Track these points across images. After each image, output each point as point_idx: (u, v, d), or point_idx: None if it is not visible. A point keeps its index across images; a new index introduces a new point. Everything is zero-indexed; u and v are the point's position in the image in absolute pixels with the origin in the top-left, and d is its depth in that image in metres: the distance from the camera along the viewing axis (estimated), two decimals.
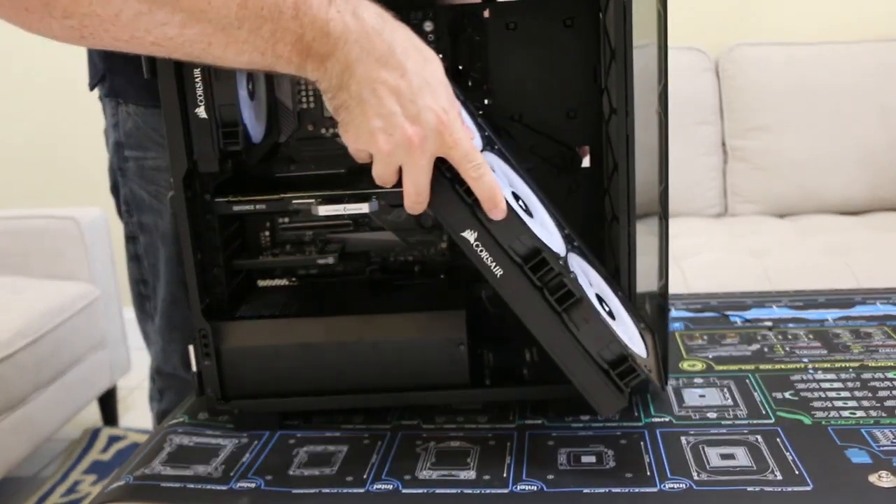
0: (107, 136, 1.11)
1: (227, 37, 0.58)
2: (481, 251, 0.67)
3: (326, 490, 0.74)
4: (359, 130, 0.65)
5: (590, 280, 0.76)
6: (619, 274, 0.80)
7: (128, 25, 0.55)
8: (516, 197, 0.72)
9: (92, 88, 1.11)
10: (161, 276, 1.09)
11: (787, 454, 0.74)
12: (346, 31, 0.61)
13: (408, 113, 0.63)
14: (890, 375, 0.89)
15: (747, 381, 0.89)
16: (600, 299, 0.74)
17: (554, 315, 0.68)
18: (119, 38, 0.56)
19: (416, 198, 0.67)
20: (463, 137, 0.65)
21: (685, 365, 0.94)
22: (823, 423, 0.79)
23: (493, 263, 0.67)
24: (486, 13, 0.85)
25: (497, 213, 0.67)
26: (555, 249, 0.70)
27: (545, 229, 0.74)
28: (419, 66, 0.64)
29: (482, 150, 0.71)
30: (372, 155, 0.66)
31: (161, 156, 1.03)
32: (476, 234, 0.67)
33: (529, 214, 0.72)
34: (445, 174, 0.67)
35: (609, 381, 0.69)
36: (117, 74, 1.06)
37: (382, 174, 0.67)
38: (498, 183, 0.66)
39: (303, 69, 0.62)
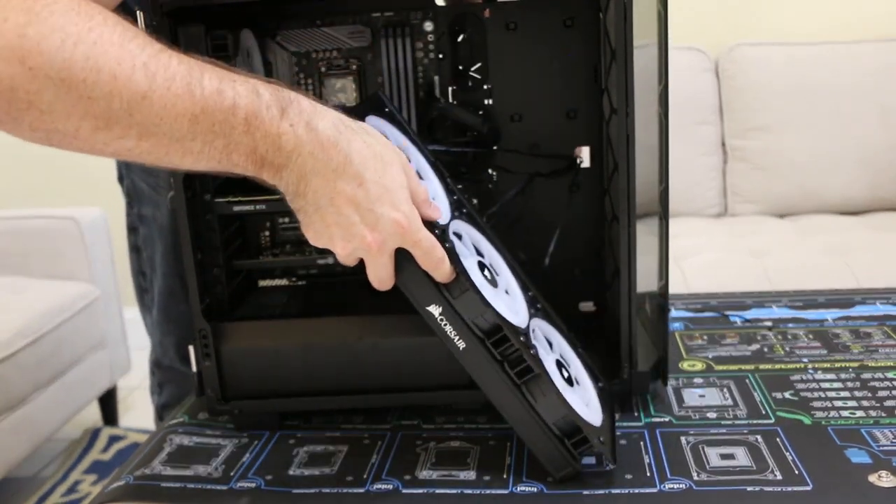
0: None
1: (183, 148, 0.60)
2: (445, 325, 0.70)
3: (326, 490, 0.74)
4: (318, 234, 0.67)
5: (552, 343, 0.77)
6: (619, 274, 0.80)
7: (88, 140, 0.58)
8: (482, 266, 0.74)
9: None
10: (158, 269, 1.10)
11: (787, 454, 0.74)
12: (299, 145, 0.62)
13: (366, 221, 0.64)
14: (890, 375, 0.89)
15: (747, 381, 0.89)
16: (561, 364, 0.75)
17: (513, 387, 0.70)
18: (83, 149, 0.60)
19: (379, 284, 0.70)
20: (423, 238, 0.67)
21: (685, 365, 0.94)
22: (823, 423, 0.79)
23: (457, 337, 0.70)
24: (486, 13, 0.85)
25: (444, 275, 0.69)
26: (517, 321, 0.72)
27: (510, 295, 0.76)
28: (377, 173, 0.64)
29: (450, 220, 0.72)
30: None
31: None
32: (441, 308, 0.70)
33: (494, 283, 0.74)
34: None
35: (563, 449, 0.71)
36: None
37: (345, 262, 0.69)
38: (452, 270, 0.69)
39: (260, 175, 0.64)
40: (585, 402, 0.74)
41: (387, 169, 0.65)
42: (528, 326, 0.73)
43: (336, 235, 0.66)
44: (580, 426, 0.70)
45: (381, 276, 0.69)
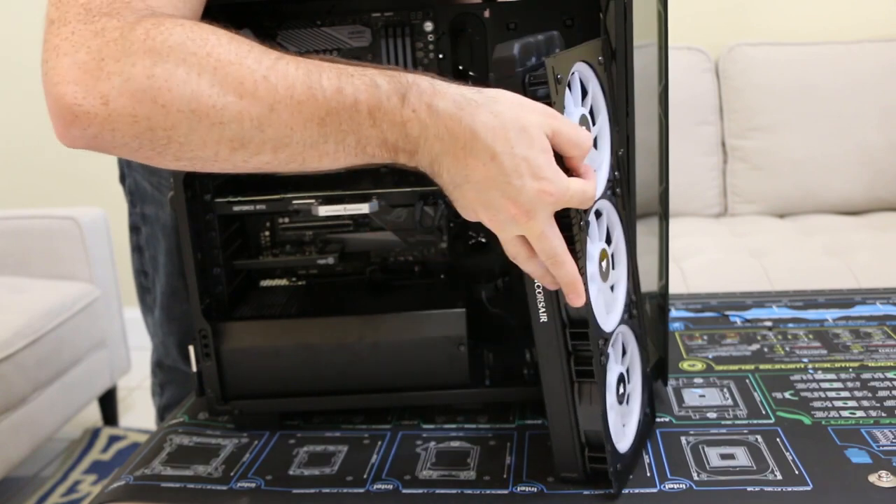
0: None
1: (318, 152, 0.62)
2: (539, 293, 0.68)
3: (326, 490, 0.74)
4: (465, 210, 0.65)
5: (626, 353, 0.76)
6: None
7: (228, 160, 0.61)
8: (603, 255, 0.72)
9: None
10: (160, 268, 1.10)
11: (787, 454, 0.74)
12: (423, 129, 0.62)
13: (507, 195, 0.62)
14: (890, 375, 0.89)
15: (747, 381, 0.89)
16: (622, 379, 0.74)
17: (567, 380, 0.70)
18: (226, 169, 0.63)
19: (550, 258, 0.65)
20: (574, 196, 0.63)
21: (685, 365, 0.94)
22: (823, 423, 0.79)
23: (544, 309, 0.68)
24: (487, 13, 0.85)
25: (576, 301, 0.66)
26: (606, 323, 0.71)
27: (613, 293, 0.74)
28: (509, 144, 0.61)
29: (600, 197, 0.70)
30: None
31: None
32: None
33: (605, 276, 0.72)
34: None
35: (580, 456, 0.71)
36: None
37: (504, 239, 0.66)
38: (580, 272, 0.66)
39: (398, 161, 0.64)
40: (624, 422, 0.74)
41: (521, 136, 0.62)
42: (613, 331, 0.72)
43: (481, 211, 0.64)
44: (606, 447, 0.70)
45: (544, 247, 0.64)
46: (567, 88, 0.67)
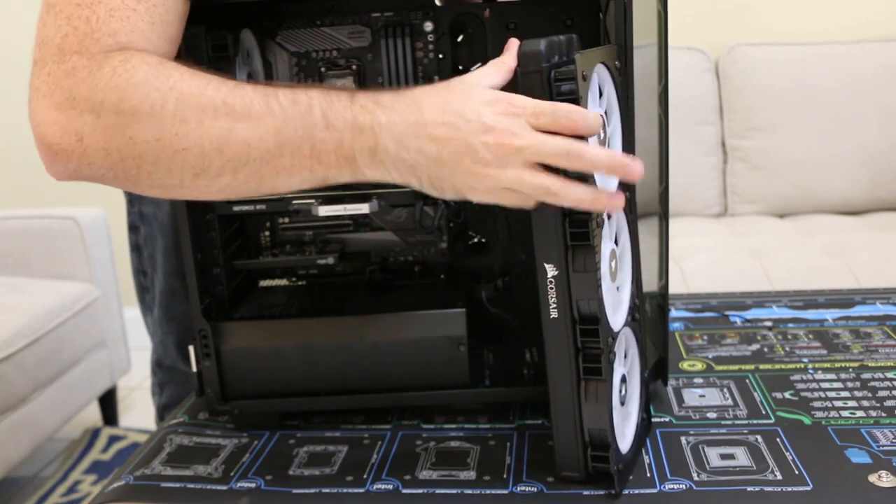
0: None
1: (274, 168, 0.64)
2: (551, 289, 0.68)
3: (326, 490, 0.74)
4: (450, 192, 0.65)
5: (627, 356, 0.76)
6: None
7: (191, 187, 0.65)
8: (612, 255, 0.72)
9: None
10: (159, 267, 1.10)
11: (787, 454, 0.74)
12: (374, 117, 0.64)
13: (474, 160, 0.63)
14: (890, 375, 0.89)
15: (747, 381, 0.89)
16: (623, 381, 0.74)
17: (574, 378, 0.70)
18: (192, 196, 0.67)
19: (547, 197, 0.64)
20: (557, 148, 0.62)
21: (685, 365, 0.94)
22: (823, 423, 0.79)
23: (555, 305, 0.69)
24: (486, 13, 0.85)
25: (635, 172, 0.65)
26: (613, 322, 0.71)
27: (619, 293, 0.75)
28: (460, 100, 0.63)
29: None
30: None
31: None
32: (557, 272, 0.68)
33: (613, 276, 0.73)
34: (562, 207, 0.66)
35: (582, 455, 0.71)
36: None
37: (517, 204, 0.65)
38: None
39: (359, 172, 0.65)
40: (624, 424, 0.74)
41: (466, 101, 0.63)
42: (618, 332, 0.72)
43: (465, 189, 0.64)
44: (609, 445, 0.70)
45: (537, 185, 0.63)
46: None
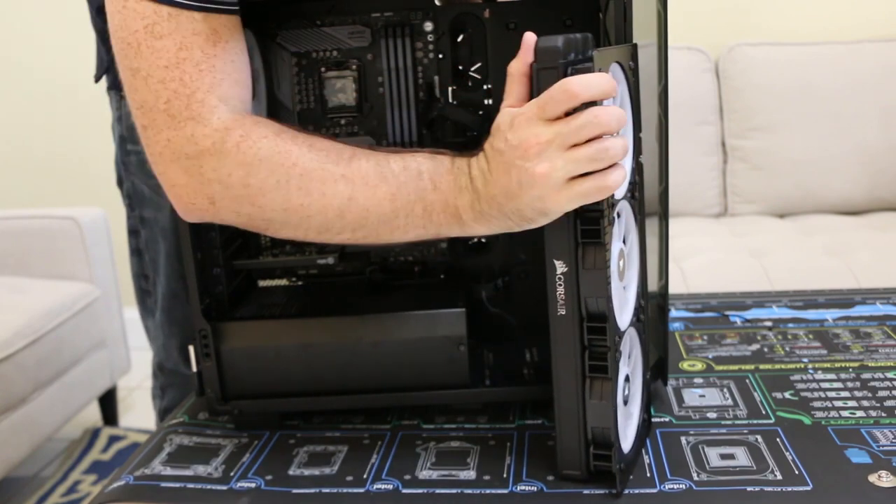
0: (113, 130, 1.12)
1: (390, 227, 0.71)
2: (560, 286, 0.69)
3: (326, 490, 0.74)
4: (536, 209, 0.66)
5: (630, 356, 0.76)
6: None
7: (317, 238, 0.72)
8: (621, 255, 0.73)
9: (97, 80, 1.11)
10: (161, 271, 1.10)
11: (787, 454, 0.74)
12: (468, 176, 0.69)
13: (523, 175, 0.66)
14: (890, 375, 0.89)
15: (747, 381, 0.89)
16: (627, 379, 0.75)
17: (579, 375, 0.70)
18: (314, 242, 0.80)
19: (603, 160, 0.65)
20: (583, 125, 0.64)
21: (685, 365, 0.94)
22: (823, 423, 0.79)
23: (563, 302, 0.69)
24: (486, 13, 0.85)
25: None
26: (621, 323, 0.71)
27: (625, 293, 0.75)
28: (492, 141, 0.68)
29: (621, 199, 0.71)
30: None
31: None
32: (566, 269, 0.68)
33: (621, 276, 0.73)
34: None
35: (584, 453, 0.72)
36: None
37: (579, 200, 0.66)
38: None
39: (466, 226, 0.70)
40: (626, 424, 0.74)
41: (499, 128, 0.67)
42: (624, 331, 0.72)
43: (538, 203, 0.66)
44: (612, 444, 0.70)
45: (585, 156, 0.64)
46: None
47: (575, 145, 0.64)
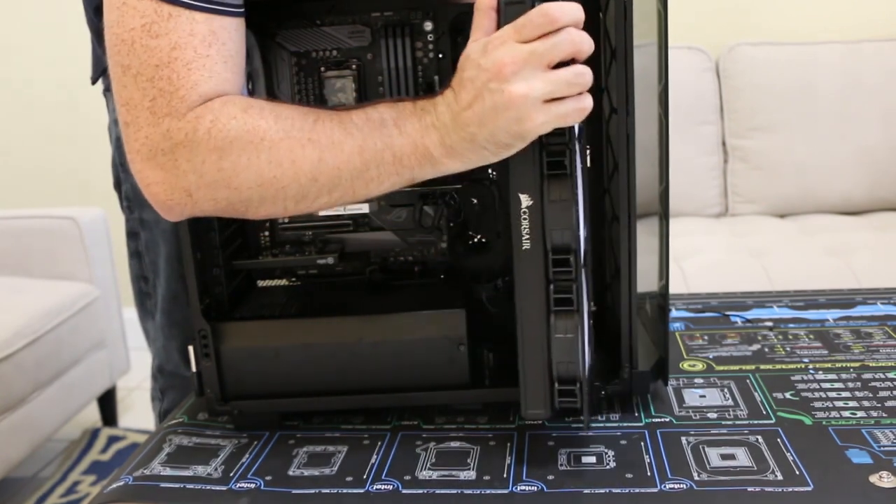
0: (110, 132, 1.11)
1: (363, 180, 0.71)
2: (525, 219, 0.69)
3: (326, 490, 0.74)
4: (513, 133, 0.67)
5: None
6: (619, 274, 0.80)
7: (295, 209, 0.72)
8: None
9: (94, 81, 1.11)
10: (161, 273, 1.09)
11: (788, 454, 0.74)
12: (433, 114, 0.69)
13: (494, 96, 0.66)
14: (891, 375, 0.88)
15: (748, 381, 0.89)
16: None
17: (544, 309, 0.71)
18: (296, 214, 0.78)
19: (581, 84, 0.66)
20: (558, 45, 0.66)
21: (685, 365, 0.94)
22: (824, 423, 0.79)
23: (528, 236, 0.69)
24: None
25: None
26: (582, 257, 0.71)
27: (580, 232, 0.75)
28: (462, 67, 0.69)
29: (578, 138, 0.71)
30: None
31: None
32: (531, 202, 0.69)
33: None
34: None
35: (548, 391, 0.72)
36: None
37: (553, 122, 0.67)
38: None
39: (439, 164, 0.70)
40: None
41: (468, 56, 0.69)
42: (583, 267, 0.72)
43: (516, 126, 0.66)
44: (578, 379, 0.70)
45: (565, 79, 0.66)
46: None
47: (552, 68, 0.66)
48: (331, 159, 0.70)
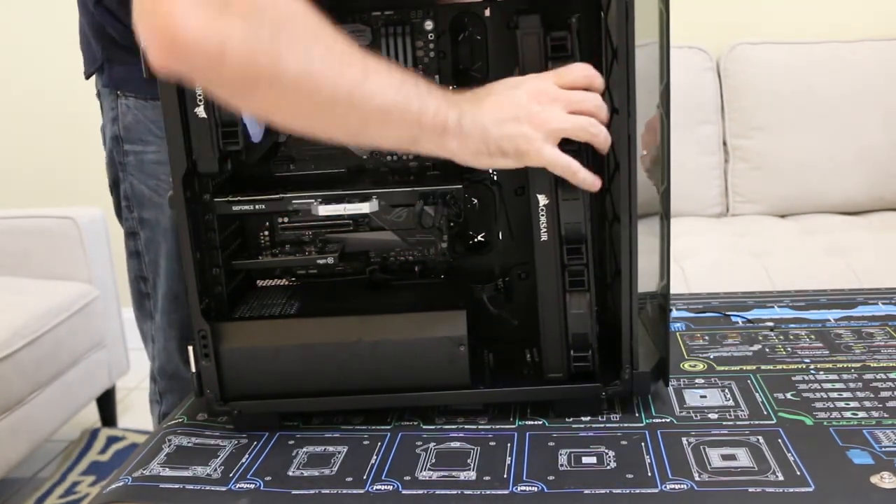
0: (104, 132, 1.10)
1: (383, 117, 0.72)
2: (542, 216, 0.79)
3: (326, 490, 0.73)
4: (518, 145, 0.74)
5: None
6: (620, 274, 0.80)
7: (310, 116, 0.71)
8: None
9: (88, 77, 1.10)
10: (162, 273, 1.09)
11: (789, 455, 0.74)
12: (459, 98, 0.75)
13: (518, 117, 0.74)
14: (892, 376, 0.88)
15: (749, 381, 0.89)
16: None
17: (561, 290, 0.81)
18: (291, 127, 0.75)
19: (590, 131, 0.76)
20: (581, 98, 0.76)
21: (686, 365, 0.94)
22: (825, 423, 0.79)
23: (545, 229, 0.79)
24: (487, 12, 0.84)
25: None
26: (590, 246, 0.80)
27: None
28: (510, 87, 0.77)
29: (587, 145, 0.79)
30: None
31: (162, 149, 1.02)
32: (548, 201, 0.79)
33: None
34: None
35: (566, 358, 0.82)
36: (117, 64, 1.04)
37: (557, 160, 0.76)
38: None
39: (445, 139, 0.73)
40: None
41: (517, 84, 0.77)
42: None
43: (521, 139, 0.74)
44: (590, 346, 0.82)
45: (576, 124, 0.75)
46: None
47: (572, 112, 0.74)
48: (371, 84, 0.70)
